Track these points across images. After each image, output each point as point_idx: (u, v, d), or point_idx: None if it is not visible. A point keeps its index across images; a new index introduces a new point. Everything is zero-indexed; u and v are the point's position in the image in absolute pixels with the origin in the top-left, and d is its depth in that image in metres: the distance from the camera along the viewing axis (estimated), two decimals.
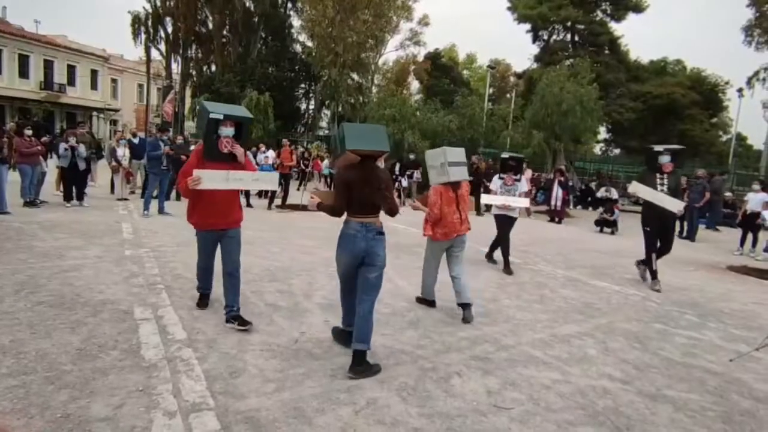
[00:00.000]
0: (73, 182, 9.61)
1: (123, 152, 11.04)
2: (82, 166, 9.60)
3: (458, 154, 4.80)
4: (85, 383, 2.85)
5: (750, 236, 10.26)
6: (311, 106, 34.04)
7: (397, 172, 15.40)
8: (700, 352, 4.18)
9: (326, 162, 18.24)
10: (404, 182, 14.99)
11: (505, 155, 7.32)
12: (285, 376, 3.14)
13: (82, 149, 9.53)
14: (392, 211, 3.50)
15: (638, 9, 29.61)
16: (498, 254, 7.13)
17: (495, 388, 3.19)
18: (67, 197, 9.55)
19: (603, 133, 34.33)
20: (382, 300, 4.90)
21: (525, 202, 7.04)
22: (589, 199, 19.18)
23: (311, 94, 33.19)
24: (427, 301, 4.97)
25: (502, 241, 6.95)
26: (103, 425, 2.46)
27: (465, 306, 4.56)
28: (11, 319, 3.71)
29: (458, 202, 4.69)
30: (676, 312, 5.37)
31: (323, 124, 35.67)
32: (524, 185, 6.98)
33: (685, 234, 12.00)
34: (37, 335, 3.45)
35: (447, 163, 4.59)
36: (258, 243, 6.70)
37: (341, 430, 2.59)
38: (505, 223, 6.90)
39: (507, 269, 6.70)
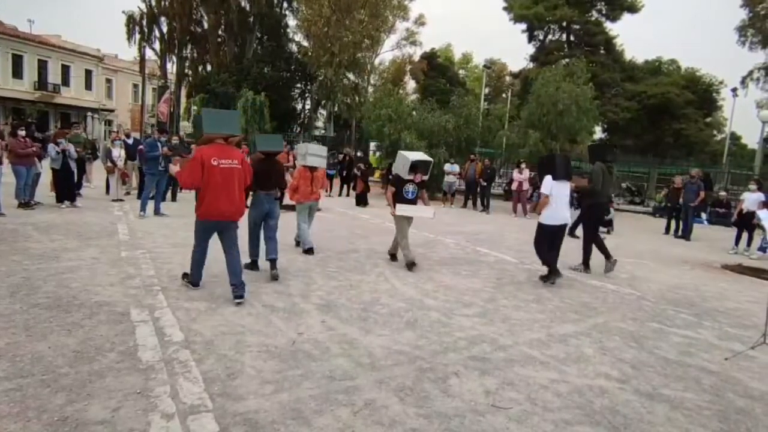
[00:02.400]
0: (65, 183, 9.53)
1: (118, 153, 11.00)
2: (72, 166, 9.52)
3: (319, 149, 7.22)
4: (82, 386, 2.84)
5: (745, 235, 10.33)
6: (307, 106, 34.01)
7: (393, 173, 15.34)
8: (696, 351, 4.21)
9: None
10: None
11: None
12: (283, 377, 3.14)
13: (71, 150, 9.45)
14: (282, 188, 6.03)
15: (633, 9, 29.80)
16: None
17: (493, 388, 3.20)
18: (60, 198, 9.50)
19: (599, 132, 34.46)
20: (379, 300, 4.93)
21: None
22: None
23: (307, 94, 33.17)
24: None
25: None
26: (101, 428, 2.45)
27: (308, 250, 6.87)
28: (7, 321, 3.69)
29: (312, 179, 6.94)
30: (672, 311, 5.40)
31: (319, 124, 35.65)
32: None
33: (680, 233, 12.06)
34: (33, 338, 3.44)
35: (308, 154, 6.92)
36: None
37: (339, 430, 2.59)
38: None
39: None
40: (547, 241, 6.13)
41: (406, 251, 6.46)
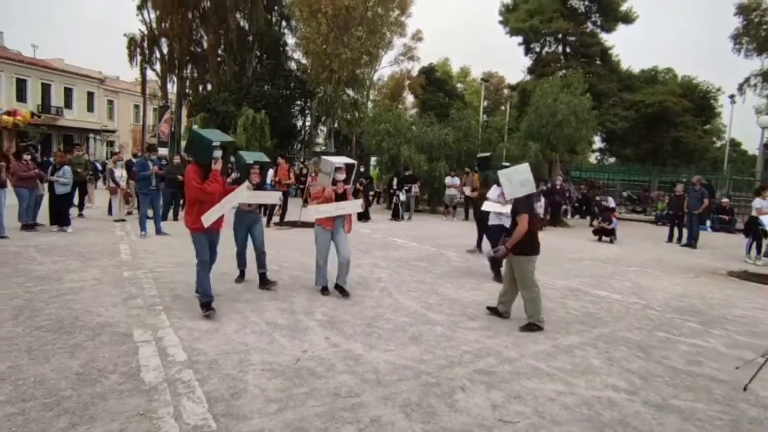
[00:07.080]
0: (55, 207, 9.32)
1: (121, 173, 11.06)
2: (61, 190, 9.31)
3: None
4: (85, 408, 2.81)
5: (748, 241, 10.22)
6: (307, 123, 34.20)
7: (394, 187, 15.36)
8: (705, 359, 4.15)
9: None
10: (402, 196, 14.84)
11: None
12: (287, 395, 3.10)
13: (62, 179, 9.31)
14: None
15: (628, 20, 30.03)
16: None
17: (499, 402, 3.16)
18: (51, 221, 9.34)
19: (598, 142, 34.53)
20: (383, 316, 4.89)
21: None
22: (584, 207, 19.20)
23: (307, 111, 33.37)
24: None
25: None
26: None
27: (324, 289, 5.89)
28: (9, 344, 3.67)
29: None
30: (678, 319, 5.35)
31: (319, 140, 35.81)
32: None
33: (684, 241, 11.99)
34: (36, 360, 3.42)
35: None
36: None
37: None
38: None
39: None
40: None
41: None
